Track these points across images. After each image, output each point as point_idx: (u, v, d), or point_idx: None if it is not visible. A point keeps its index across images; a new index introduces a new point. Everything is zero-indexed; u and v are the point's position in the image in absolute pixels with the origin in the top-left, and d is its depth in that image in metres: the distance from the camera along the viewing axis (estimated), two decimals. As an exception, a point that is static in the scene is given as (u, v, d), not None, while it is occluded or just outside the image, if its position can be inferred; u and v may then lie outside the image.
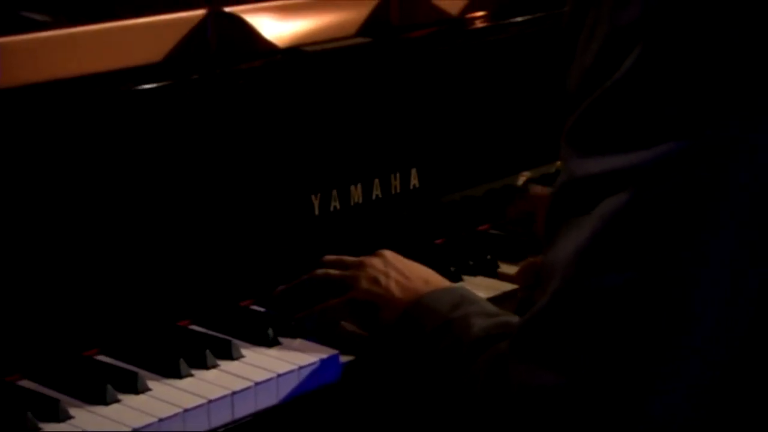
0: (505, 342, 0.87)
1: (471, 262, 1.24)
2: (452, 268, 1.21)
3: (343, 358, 1.06)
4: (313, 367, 1.04)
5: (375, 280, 1.06)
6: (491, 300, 1.10)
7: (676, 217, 0.74)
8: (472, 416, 0.87)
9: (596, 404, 0.76)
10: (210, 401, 0.97)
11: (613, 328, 0.75)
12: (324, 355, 1.05)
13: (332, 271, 1.11)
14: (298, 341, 1.08)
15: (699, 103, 0.73)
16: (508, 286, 1.21)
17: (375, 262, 1.09)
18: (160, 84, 1.10)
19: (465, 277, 1.22)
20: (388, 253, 1.10)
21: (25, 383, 1.00)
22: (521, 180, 1.41)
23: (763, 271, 0.76)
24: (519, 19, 1.39)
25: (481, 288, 1.18)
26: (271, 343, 1.07)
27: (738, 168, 0.74)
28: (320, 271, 1.12)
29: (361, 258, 1.11)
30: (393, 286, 1.05)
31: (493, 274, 1.25)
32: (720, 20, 0.73)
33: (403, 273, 1.06)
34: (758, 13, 0.73)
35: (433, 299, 1.00)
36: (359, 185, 1.23)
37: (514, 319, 0.96)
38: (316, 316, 1.10)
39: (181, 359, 1.01)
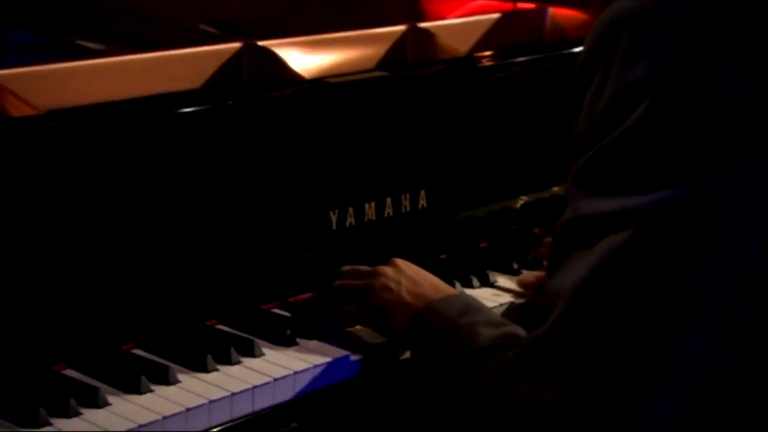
0: (510, 352, 0.87)
1: (472, 276, 1.24)
2: (455, 281, 1.21)
3: (354, 357, 1.06)
4: (326, 365, 1.04)
5: (387, 288, 1.06)
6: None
7: (670, 256, 0.74)
8: (476, 418, 0.87)
9: (589, 419, 0.77)
10: (233, 394, 0.98)
11: (608, 352, 0.76)
12: (337, 355, 1.06)
13: (349, 282, 1.11)
14: (314, 342, 1.08)
15: (695, 156, 0.74)
16: (505, 298, 1.21)
17: (387, 270, 1.08)
18: (199, 108, 1.11)
19: (466, 290, 1.21)
20: (400, 262, 1.10)
21: (70, 372, 1.00)
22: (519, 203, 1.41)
23: (749, 303, 0.76)
24: (519, 59, 1.39)
25: (481, 299, 1.18)
26: (289, 343, 1.07)
27: (727, 214, 0.74)
28: (338, 282, 1.12)
29: (375, 267, 1.10)
30: (404, 293, 1.04)
31: (492, 287, 1.24)
32: (717, 84, 0.73)
33: (414, 280, 1.06)
34: (752, 80, 0.74)
35: (442, 305, 1.00)
36: (373, 204, 1.23)
37: (518, 329, 0.96)
38: (334, 320, 1.10)
39: (209, 355, 1.01)
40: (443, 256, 1.32)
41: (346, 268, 1.14)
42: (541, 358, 0.79)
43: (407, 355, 1.07)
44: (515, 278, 1.26)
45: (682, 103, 0.73)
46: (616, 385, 0.76)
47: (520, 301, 1.21)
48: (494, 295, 1.22)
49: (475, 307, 1.00)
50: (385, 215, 1.24)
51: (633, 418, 0.76)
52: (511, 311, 1.20)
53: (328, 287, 1.13)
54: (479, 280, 1.25)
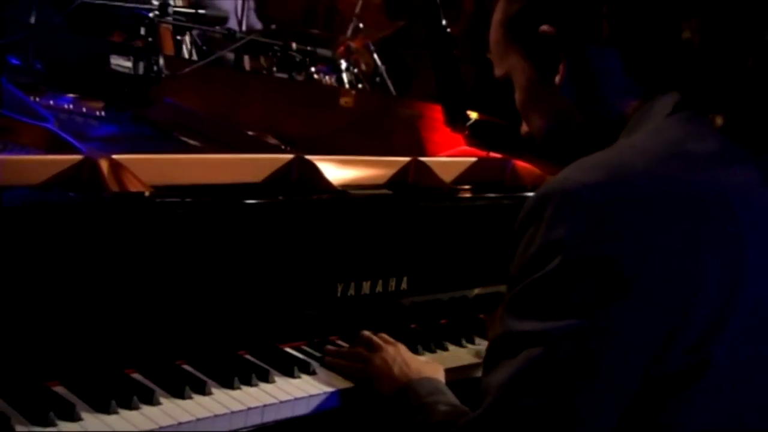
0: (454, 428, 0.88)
1: (431, 344, 1.26)
2: (418, 346, 1.24)
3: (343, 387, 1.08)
4: (320, 397, 1.07)
5: (385, 361, 1.10)
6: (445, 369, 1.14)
7: (571, 367, 0.78)
8: None
9: None
10: (249, 408, 1.00)
11: None
12: (328, 390, 1.08)
13: (361, 350, 1.14)
14: (312, 378, 1.10)
15: (590, 298, 0.77)
16: (456, 362, 1.23)
17: (389, 349, 1.12)
18: (259, 201, 1.13)
19: (425, 353, 1.24)
20: (401, 347, 1.14)
21: (137, 376, 1.02)
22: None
23: (626, 400, 0.79)
24: (486, 195, 1.42)
25: (436, 360, 1.21)
26: (295, 376, 1.09)
27: (611, 340, 0.77)
28: (353, 349, 1.15)
29: (383, 344, 1.14)
30: (395, 369, 1.08)
31: (445, 351, 1.27)
32: (610, 250, 0.77)
33: (406, 362, 1.10)
34: (638, 249, 0.77)
35: (418, 385, 1.04)
36: (369, 282, 1.24)
37: (467, 410, 0.98)
38: (341, 369, 1.12)
39: (236, 377, 1.03)
40: (413, 326, 1.33)
41: (365, 333, 1.17)
42: None
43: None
44: (463, 347, 1.29)
45: (583, 261, 0.77)
46: None
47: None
48: (447, 359, 1.24)
49: (441, 390, 1.03)
50: (377, 291, 1.26)
51: None
52: (457, 372, 1.20)
53: (346, 349, 1.15)
54: (437, 346, 1.27)
